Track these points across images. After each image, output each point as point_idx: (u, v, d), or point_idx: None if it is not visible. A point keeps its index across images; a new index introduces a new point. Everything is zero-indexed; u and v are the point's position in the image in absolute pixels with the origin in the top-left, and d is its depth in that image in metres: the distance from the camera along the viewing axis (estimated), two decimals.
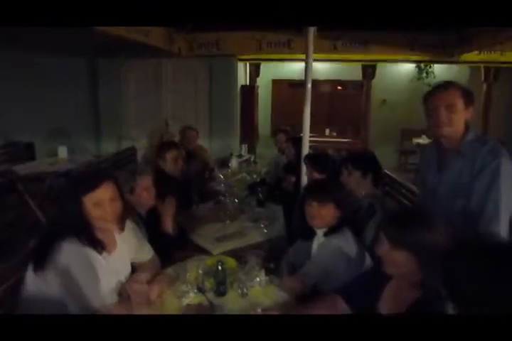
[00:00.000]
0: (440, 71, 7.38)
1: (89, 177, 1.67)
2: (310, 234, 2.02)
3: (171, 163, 2.91)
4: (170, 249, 2.20)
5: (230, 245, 2.41)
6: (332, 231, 1.92)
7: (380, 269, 1.44)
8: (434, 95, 1.81)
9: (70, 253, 1.54)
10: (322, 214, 1.90)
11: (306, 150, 3.29)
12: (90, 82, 6.51)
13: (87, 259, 1.59)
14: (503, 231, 1.65)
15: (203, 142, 5.24)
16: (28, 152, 5.55)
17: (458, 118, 1.77)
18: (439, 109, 1.76)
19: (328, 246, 1.90)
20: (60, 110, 6.05)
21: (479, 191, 1.69)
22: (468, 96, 1.79)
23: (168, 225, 2.28)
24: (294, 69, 7.63)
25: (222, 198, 3.17)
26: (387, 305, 1.44)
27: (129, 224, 1.88)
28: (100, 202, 1.61)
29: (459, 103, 1.76)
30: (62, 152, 5.01)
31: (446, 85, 1.83)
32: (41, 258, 1.55)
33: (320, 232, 1.97)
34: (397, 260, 1.33)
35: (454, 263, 0.89)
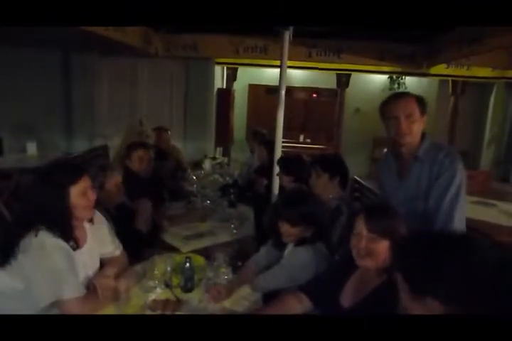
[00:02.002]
0: (411, 83, 7.63)
1: (74, 168, 1.69)
2: (282, 245, 2.05)
3: (137, 162, 2.92)
4: (140, 245, 2.21)
5: (199, 244, 2.44)
6: (302, 242, 1.93)
7: (352, 264, 1.51)
8: (393, 105, 1.88)
9: (45, 243, 1.54)
10: (294, 232, 1.91)
11: (278, 154, 3.36)
12: (63, 77, 6.38)
13: (62, 250, 1.59)
14: (457, 227, 1.76)
15: (177, 144, 5.24)
16: None
17: (417, 127, 1.86)
18: (400, 119, 1.83)
19: (296, 256, 1.92)
20: (30, 105, 5.92)
21: (437, 193, 1.79)
22: (423, 104, 1.88)
23: (141, 223, 2.30)
24: (271, 75, 7.72)
25: (194, 198, 3.19)
26: (348, 296, 1.51)
27: (99, 218, 1.89)
28: (85, 190, 1.65)
29: (417, 112, 1.84)
30: (32, 148, 4.91)
31: (402, 95, 1.92)
32: (10, 252, 1.53)
33: (291, 243, 1.99)
34: (377, 251, 1.42)
35: (407, 250, 0.97)
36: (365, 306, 1.43)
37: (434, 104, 7.44)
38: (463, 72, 6.27)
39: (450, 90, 7.19)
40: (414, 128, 1.85)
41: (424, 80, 7.59)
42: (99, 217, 1.90)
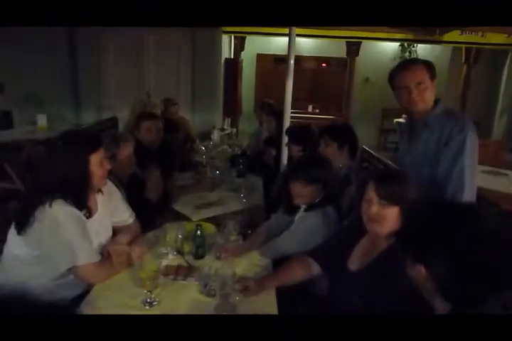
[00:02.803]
0: (423, 51, 7.43)
1: (93, 137, 1.73)
2: (293, 210, 2.09)
3: (146, 133, 2.92)
4: (151, 214, 2.25)
5: (209, 212, 2.48)
6: (312, 207, 1.97)
7: (361, 229, 1.54)
8: (402, 75, 1.86)
9: (60, 212, 1.58)
10: (306, 193, 1.95)
11: (287, 124, 3.34)
12: (69, 50, 6.32)
13: (77, 218, 1.63)
14: (467, 198, 1.75)
15: (185, 115, 5.22)
16: (5, 121, 5.43)
17: (429, 94, 1.84)
18: (410, 88, 1.81)
19: (306, 221, 1.97)
20: (37, 78, 5.89)
21: (446, 162, 1.78)
22: (432, 69, 1.85)
23: (152, 192, 2.34)
24: (279, 44, 7.56)
25: (203, 169, 3.22)
26: (356, 260, 1.55)
27: (111, 188, 1.92)
28: (101, 160, 1.68)
29: (426, 79, 1.82)
30: (42, 120, 4.93)
31: (410, 64, 1.89)
32: (26, 220, 1.57)
33: (302, 207, 2.04)
34: (387, 217, 1.44)
35: (413, 219, 0.98)
36: (372, 270, 1.46)
37: (446, 72, 7.27)
38: (477, 38, 6.08)
39: (463, 58, 7.01)
40: (426, 95, 1.83)
41: (437, 48, 7.38)
42: (111, 186, 1.93)
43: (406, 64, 1.92)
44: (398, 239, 1.07)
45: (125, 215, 1.99)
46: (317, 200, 1.96)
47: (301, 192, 1.95)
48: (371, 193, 1.47)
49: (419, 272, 0.94)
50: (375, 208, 1.45)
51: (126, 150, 2.30)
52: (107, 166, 1.73)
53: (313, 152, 2.57)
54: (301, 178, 1.93)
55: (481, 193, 3.22)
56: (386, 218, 1.44)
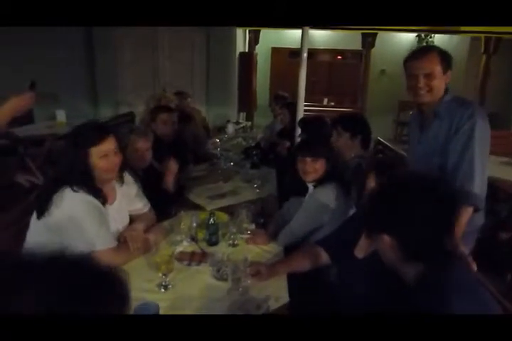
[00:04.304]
0: (441, 41, 7.30)
1: (96, 130, 1.74)
2: (303, 190, 2.15)
3: (162, 125, 2.97)
4: (167, 204, 2.31)
5: (223, 202, 2.53)
6: (320, 183, 2.05)
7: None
8: (413, 62, 1.82)
9: (75, 198, 1.64)
10: (315, 168, 2.03)
11: (300, 116, 3.36)
12: (86, 47, 6.43)
13: (92, 204, 1.70)
14: (477, 189, 1.74)
15: (200, 108, 5.27)
16: (27, 117, 5.56)
17: (437, 85, 1.80)
18: (419, 77, 1.78)
19: (315, 195, 2.05)
20: (56, 76, 6.02)
21: (455, 151, 1.76)
22: (447, 60, 1.80)
23: (169, 183, 2.41)
24: (294, 37, 7.53)
25: (217, 161, 3.27)
26: (362, 248, 1.57)
27: (128, 178, 1.98)
28: (106, 153, 1.70)
29: (438, 70, 1.77)
30: (61, 115, 5.05)
31: (424, 51, 1.84)
32: (44, 206, 1.65)
33: (311, 186, 2.11)
34: None
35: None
36: (376, 256, 1.48)
37: (464, 63, 7.14)
38: (496, 27, 5.93)
39: (482, 48, 6.87)
40: (435, 86, 1.79)
41: (455, 38, 7.25)
42: (128, 177, 1.99)
43: (419, 52, 1.87)
44: (363, 215, 1.17)
45: (140, 204, 2.04)
46: (323, 175, 2.04)
47: (309, 168, 2.03)
48: (372, 182, 1.48)
49: (385, 242, 1.05)
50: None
51: (145, 144, 2.35)
52: (115, 159, 1.74)
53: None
54: (307, 154, 2.03)
55: (499, 184, 3.20)
56: None
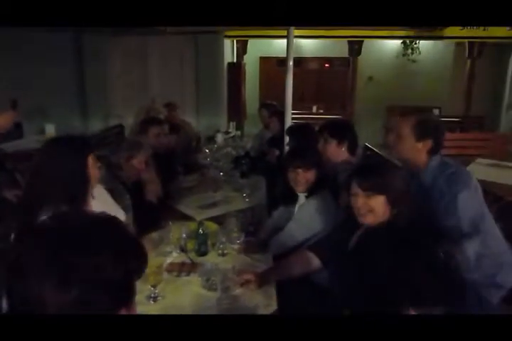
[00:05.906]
0: (426, 47, 7.42)
1: (88, 139, 1.78)
2: (293, 199, 2.17)
3: (154, 138, 2.94)
4: (153, 215, 2.30)
5: (213, 212, 2.53)
6: (311, 193, 2.06)
7: (356, 222, 1.57)
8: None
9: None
10: (307, 178, 2.04)
11: (289, 124, 3.38)
12: (75, 58, 6.42)
13: None
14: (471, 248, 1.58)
15: (190, 119, 5.29)
16: (16, 132, 5.53)
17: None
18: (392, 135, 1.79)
19: (308, 206, 2.06)
20: (44, 88, 6.00)
21: (440, 212, 1.63)
22: (420, 129, 1.70)
23: (151, 193, 2.40)
24: (281, 46, 7.55)
25: (207, 171, 3.27)
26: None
27: (101, 191, 1.91)
28: (94, 163, 1.66)
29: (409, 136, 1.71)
30: (50, 129, 5.04)
31: (402, 114, 1.83)
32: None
33: (302, 196, 2.11)
34: (375, 207, 1.48)
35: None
36: (368, 259, 1.49)
37: (450, 68, 7.25)
38: (479, 32, 6.05)
39: (467, 53, 6.98)
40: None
41: (440, 44, 7.37)
42: (99, 189, 1.89)
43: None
44: None
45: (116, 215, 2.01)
46: (314, 185, 2.04)
47: (301, 178, 2.03)
48: (355, 186, 1.51)
49: None
50: (361, 200, 1.50)
51: (143, 157, 2.34)
52: (97, 170, 1.70)
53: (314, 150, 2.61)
54: (299, 165, 2.03)
55: (487, 187, 3.23)
56: (374, 208, 1.48)
